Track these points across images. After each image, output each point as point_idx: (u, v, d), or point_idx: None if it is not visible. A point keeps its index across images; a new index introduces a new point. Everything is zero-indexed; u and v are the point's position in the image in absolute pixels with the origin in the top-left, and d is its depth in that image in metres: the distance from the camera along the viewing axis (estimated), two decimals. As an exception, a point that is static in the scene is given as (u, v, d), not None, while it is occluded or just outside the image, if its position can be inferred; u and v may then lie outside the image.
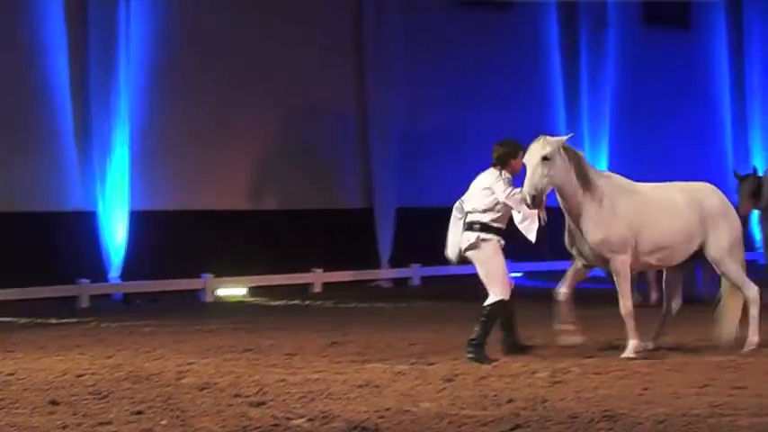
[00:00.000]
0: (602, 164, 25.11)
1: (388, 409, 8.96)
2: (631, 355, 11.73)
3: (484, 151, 24.27)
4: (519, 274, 22.92)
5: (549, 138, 11.83)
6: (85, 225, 19.48)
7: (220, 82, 21.00)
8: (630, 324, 11.93)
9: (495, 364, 11.38)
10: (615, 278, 12.02)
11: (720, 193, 12.67)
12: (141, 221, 19.74)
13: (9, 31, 19.14)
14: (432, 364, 11.51)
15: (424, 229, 21.88)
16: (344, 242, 21.89)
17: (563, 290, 12.13)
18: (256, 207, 21.51)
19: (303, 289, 21.06)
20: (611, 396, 9.45)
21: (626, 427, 8.28)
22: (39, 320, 16.40)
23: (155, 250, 19.53)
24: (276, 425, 8.53)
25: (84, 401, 9.55)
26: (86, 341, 13.81)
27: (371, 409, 8.97)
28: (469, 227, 11.95)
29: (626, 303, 12.00)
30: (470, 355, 11.66)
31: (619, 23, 26.43)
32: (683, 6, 28.32)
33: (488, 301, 11.82)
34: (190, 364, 11.69)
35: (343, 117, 22.72)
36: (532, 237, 11.82)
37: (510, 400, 9.27)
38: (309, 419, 8.67)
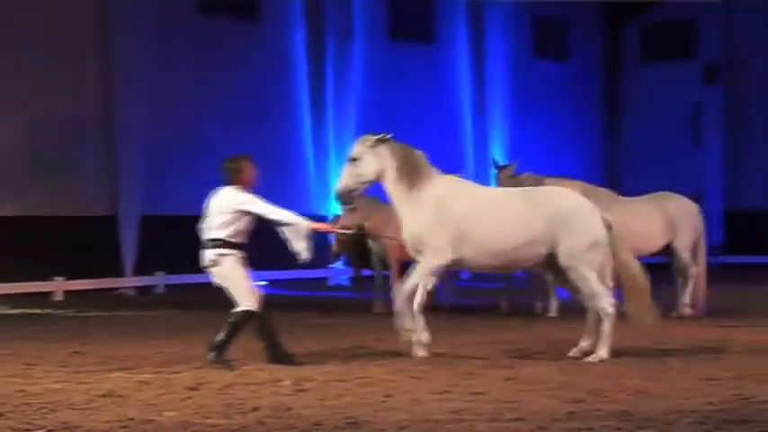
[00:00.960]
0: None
1: (131, 419, 8.86)
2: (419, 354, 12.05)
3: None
4: (264, 283, 23.05)
5: (365, 137, 12.00)
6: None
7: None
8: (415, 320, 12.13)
9: (238, 371, 11.38)
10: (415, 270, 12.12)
11: (578, 197, 12.48)
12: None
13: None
14: (176, 372, 11.43)
15: (170, 238, 21.84)
16: (88, 250, 21.53)
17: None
18: (-5, 213, 20.96)
19: (44, 297, 20.60)
20: (355, 403, 9.56)
21: (369, 433, 8.42)
22: None
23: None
24: (15, 436, 8.34)
25: None
26: None
27: (114, 419, 8.85)
28: (208, 245, 11.84)
29: (399, 302, 12.15)
30: (212, 359, 11.65)
31: (365, 35, 26.85)
32: (427, 21, 29.01)
33: (236, 309, 11.84)
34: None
35: (88, 123, 22.34)
36: (304, 254, 11.75)
37: (255, 408, 9.29)
38: (50, 430, 8.50)
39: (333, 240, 18.67)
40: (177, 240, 21.97)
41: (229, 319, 11.79)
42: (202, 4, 24.35)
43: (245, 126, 24.42)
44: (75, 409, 9.38)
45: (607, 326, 12.02)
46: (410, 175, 12.03)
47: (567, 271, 12.10)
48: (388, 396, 9.95)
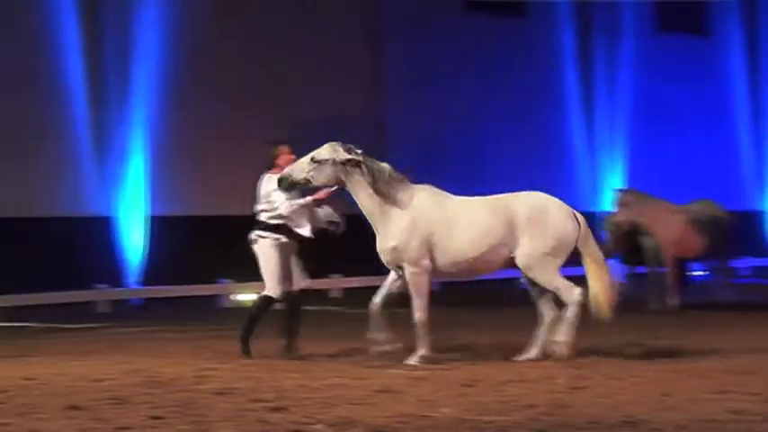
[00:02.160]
0: (619, 172, 25.13)
1: (407, 415, 8.94)
2: (414, 363, 11.84)
3: (499, 160, 24.37)
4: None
5: (335, 145, 12.09)
6: (104, 230, 19.54)
7: (233, 90, 21.04)
8: (422, 333, 12.01)
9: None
10: (410, 289, 12.12)
11: (544, 200, 12.46)
12: (159, 227, 19.79)
13: (27, 35, 19.20)
14: (451, 369, 11.49)
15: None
16: (364, 249, 21.85)
17: (376, 300, 12.19)
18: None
19: (318, 294, 21.04)
20: (631, 402, 9.41)
21: (646, 432, 8.27)
22: (57, 325, 16.42)
23: (173, 255, 19.58)
24: (296, 430, 8.51)
25: (103, 406, 9.55)
26: (105, 346, 13.83)
27: (391, 415, 8.94)
28: (253, 225, 12.52)
29: (419, 315, 12.06)
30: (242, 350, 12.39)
31: (633, 30, 26.41)
32: (698, 12, 28.29)
33: (259, 295, 12.52)
34: (208, 369, 11.69)
35: (359, 126, 22.74)
36: (334, 219, 12.48)
37: (530, 405, 9.24)
38: (329, 425, 8.66)
39: (607, 238, 18.41)
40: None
41: (251, 307, 12.44)
42: (467, 1, 24.44)
43: (512, 123, 24.39)
44: (352, 403, 9.53)
45: (571, 312, 12.02)
46: (381, 189, 12.05)
47: (525, 271, 12.22)
48: (665, 395, 9.76)
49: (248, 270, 19.79)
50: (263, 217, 12.50)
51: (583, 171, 25.93)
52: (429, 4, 23.32)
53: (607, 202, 21.36)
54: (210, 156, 20.68)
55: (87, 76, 19.80)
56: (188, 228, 19.92)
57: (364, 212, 12.20)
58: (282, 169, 12.28)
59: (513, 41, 24.95)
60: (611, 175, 25.35)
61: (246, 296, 20.36)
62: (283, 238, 12.47)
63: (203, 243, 19.88)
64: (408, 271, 12.06)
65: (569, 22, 25.93)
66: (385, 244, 12.12)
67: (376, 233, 12.20)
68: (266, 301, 12.52)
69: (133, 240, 19.81)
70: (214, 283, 19.98)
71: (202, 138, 20.53)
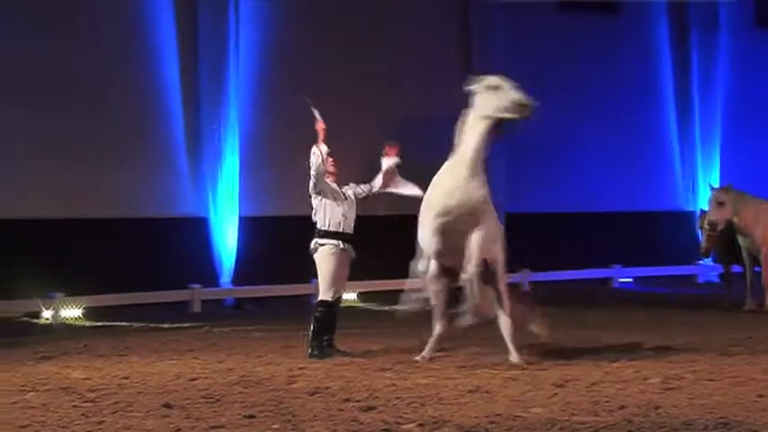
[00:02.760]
0: (715, 170, 24.84)
1: (498, 415, 8.92)
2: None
3: (589, 159, 24.18)
4: (629, 280, 22.87)
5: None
6: (197, 231, 19.72)
7: (328, 91, 21.11)
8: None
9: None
10: None
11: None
12: (251, 227, 19.93)
13: (124, 40, 19.44)
14: (542, 369, 11.44)
15: (532, 236, 21.90)
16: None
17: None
18: (367, 212, 21.56)
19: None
20: (726, 403, 9.30)
21: (741, 434, 8.17)
22: (152, 325, 16.61)
23: (265, 255, 19.69)
24: (387, 429, 8.54)
25: (197, 405, 9.66)
26: (199, 345, 13.96)
27: (482, 415, 8.93)
28: (314, 235, 12.86)
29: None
30: (312, 355, 12.44)
31: (730, 25, 26.06)
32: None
33: (317, 301, 12.71)
34: (300, 368, 11.76)
35: (449, 124, 22.69)
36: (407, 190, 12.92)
37: (622, 407, 9.18)
38: (420, 424, 8.66)
39: (702, 237, 18.19)
40: (540, 238, 22.08)
41: (312, 314, 12.60)
42: (562, 2, 24.29)
43: (606, 122, 24.19)
44: (443, 403, 9.54)
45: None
46: None
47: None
48: (760, 396, 9.63)
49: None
50: (318, 224, 12.83)
51: (678, 169, 25.65)
52: (523, 5, 23.23)
53: (703, 201, 21.12)
54: (300, 156, 20.75)
55: (181, 77, 19.99)
56: (280, 228, 20.00)
57: None
58: (334, 174, 12.80)
59: (606, 39, 24.75)
60: (706, 173, 25.05)
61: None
62: (341, 245, 12.73)
63: (295, 243, 19.97)
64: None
65: (664, 18, 25.65)
66: None
67: None
68: (324, 305, 12.66)
69: (226, 240, 19.96)
70: (307, 282, 20.07)
71: (294, 138, 20.62)
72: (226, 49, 19.89)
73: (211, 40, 19.86)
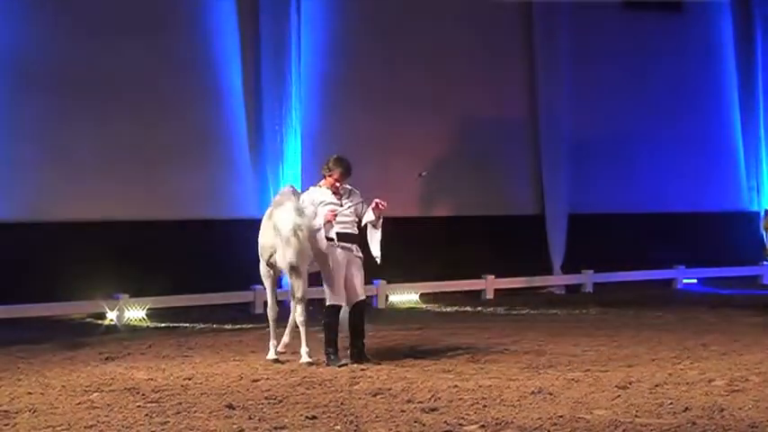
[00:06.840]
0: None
1: (561, 417, 8.89)
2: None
3: (653, 160, 24.00)
4: (694, 281, 22.69)
5: None
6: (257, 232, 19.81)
7: (391, 92, 21.13)
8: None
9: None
10: None
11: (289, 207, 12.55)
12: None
13: (190, 47, 19.56)
14: (606, 371, 11.39)
15: (596, 236, 21.80)
16: (516, 249, 21.78)
17: None
18: (427, 214, 21.55)
19: (474, 295, 21.02)
20: (792, 405, 9.21)
21: (808, 437, 8.08)
22: (215, 326, 16.71)
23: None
24: (449, 431, 8.54)
25: (260, 406, 9.71)
26: (262, 346, 14.00)
27: (545, 416, 8.91)
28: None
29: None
30: (328, 362, 12.30)
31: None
32: None
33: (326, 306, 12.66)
34: (363, 369, 11.79)
35: (513, 124, 22.64)
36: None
37: (686, 409, 9.11)
38: (482, 426, 8.66)
39: (766, 238, 18.04)
40: (604, 238, 21.97)
41: (322, 320, 12.54)
42: (626, 1, 24.13)
43: (670, 121, 24.01)
44: (506, 405, 9.52)
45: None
46: None
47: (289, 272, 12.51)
48: (827, 398, 9.53)
49: (401, 271, 20.03)
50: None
51: (742, 169, 25.41)
52: (588, 5, 23.10)
53: (766, 201, 20.94)
54: (366, 160, 20.77)
55: (244, 81, 20.07)
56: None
57: None
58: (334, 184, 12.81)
59: (669, 37, 24.57)
60: (771, 174, 24.82)
61: (399, 297, 20.46)
62: (352, 247, 12.69)
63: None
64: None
65: (728, 15, 25.42)
66: None
67: None
68: (332, 309, 12.63)
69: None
70: (369, 284, 20.10)
71: (356, 140, 20.63)
72: (288, 51, 19.95)
73: (274, 43, 19.91)
